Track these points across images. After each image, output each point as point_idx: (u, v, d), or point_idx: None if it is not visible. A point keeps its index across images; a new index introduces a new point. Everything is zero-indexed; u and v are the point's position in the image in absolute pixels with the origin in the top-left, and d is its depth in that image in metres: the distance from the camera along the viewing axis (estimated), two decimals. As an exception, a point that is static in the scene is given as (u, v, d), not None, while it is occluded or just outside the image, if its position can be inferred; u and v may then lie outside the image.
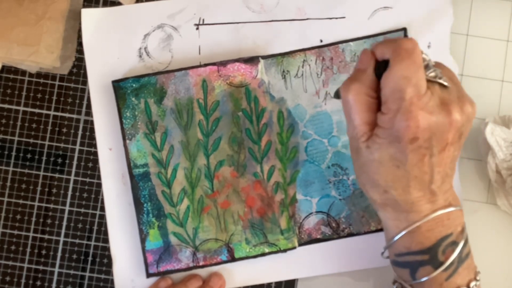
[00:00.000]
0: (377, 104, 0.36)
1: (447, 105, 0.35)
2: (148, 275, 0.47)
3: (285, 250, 0.48)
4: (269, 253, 0.48)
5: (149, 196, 0.48)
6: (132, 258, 0.48)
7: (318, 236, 0.48)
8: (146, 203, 0.48)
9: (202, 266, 0.48)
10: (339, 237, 0.48)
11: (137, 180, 0.48)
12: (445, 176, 0.36)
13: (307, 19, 0.50)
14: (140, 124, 0.48)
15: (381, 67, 0.36)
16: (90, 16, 0.49)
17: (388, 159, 0.35)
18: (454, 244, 0.37)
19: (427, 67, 0.36)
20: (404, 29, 0.49)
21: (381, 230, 0.48)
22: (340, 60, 0.49)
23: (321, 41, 0.50)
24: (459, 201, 0.38)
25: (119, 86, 0.48)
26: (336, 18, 0.50)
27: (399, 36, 0.37)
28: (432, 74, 0.35)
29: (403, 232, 0.37)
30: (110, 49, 0.49)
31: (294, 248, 0.48)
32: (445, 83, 0.36)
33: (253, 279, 0.49)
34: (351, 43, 0.49)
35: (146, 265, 0.47)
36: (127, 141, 0.48)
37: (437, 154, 0.35)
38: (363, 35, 0.49)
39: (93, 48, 0.49)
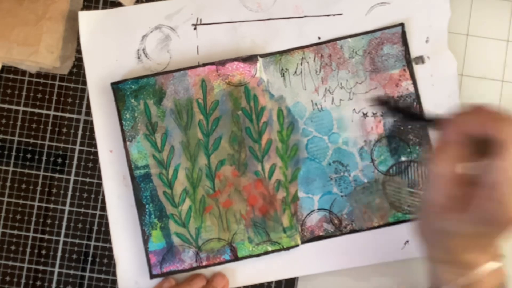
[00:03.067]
0: (464, 176, 0.35)
1: None
2: (152, 276, 0.47)
3: (288, 248, 0.48)
4: (272, 251, 0.48)
5: (151, 197, 0.48)
6: (135, 259, 0.48)
7: (321, 233, 0.48)
8: (148, 204, 0.48)
9: (206, 266, 0.48)
10: (342, 234, 0.48)
11: (139, 182, 0.48)
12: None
13: (305, 16, 0.50)
14: (140, 126, 0.48)
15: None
16: (87, 19, 0.49)
17: (472, 234, 0.35)
18: None
19: None
20: (402, 25, 0.49)
21: (383, 226, 0.48)
22: (338, 57, 0.49)
23: (319, 38, 0.50)
24: (499, 246, 0.38)
25: (118, 88, 0.48)
26: (334, 15, 0.50)
27: (496, 108, 0.35)
28: None
29: (459, 284, 0.37)
30: (108, 51, 0.49)
31: (297, 246, 0.48)
32: None
33: (256, 278, 0.49)
34: (349, 39, 0.49)
35: (150, 266, 0.47)
36: (128, 143, 0.48)
37: None
38: (361, 31, 0.49)
39: (91, 51, 0.49)
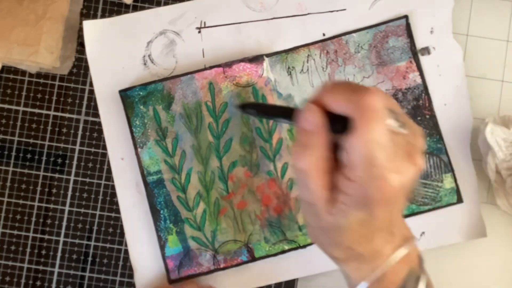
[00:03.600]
0: (333, 161, 0.32)
1: (412, 157, 0.31)
2: (170, 281, 0.47)
3: (304, 246, 0.48)
4: (289, 250, 0.48)
5: (165, 202, 0.48)
6: (153, 265, 0.48)
7: (336, 229, 0.48)
8: (163, 210, 0.48)
9: (223, 268, 0.48)
10: (357, 229, 0.48)
11: (152, 188, 0.48)
12: (401, 212, 0.34)
13: (308, 14, 0.50)
14: (150, 132, 0.48)
15: (334, 120, 0.31)
16: (91, 28, 0.49)
17: (355, 222, 0.32)
18: (418, 279, 0.35)
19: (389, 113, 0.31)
20: (406, 17, 0.49)
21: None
22: (344, 52, 0.49)
23: (324, 34, 0.50)
24: (410, 229, 0.36)
25: (126, 95, 0.48)
26: (337, 10, 0.50)
27: (355, 84, 0.32)
28: (394, 124, 0.31)
29: (368, 281, 0.34)
30: (114, 59, 0.49)
31: (313, 243, 0.48)
32: (405, 131, 0.32)
33: (273, 278, 0.49)
34: (354, 34, 0.49)
35: (167, 271, 0.47)
36: (139, 149, 0.48)
37: (402, 200, 0.33)
38: (365, 25, 0.49)
39: (97, 59, 0.49)
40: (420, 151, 0.32)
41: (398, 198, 0.32)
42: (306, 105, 0.32)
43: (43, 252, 0.49)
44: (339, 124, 0.31)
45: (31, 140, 0.50)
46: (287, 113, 0.33)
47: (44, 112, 0.50)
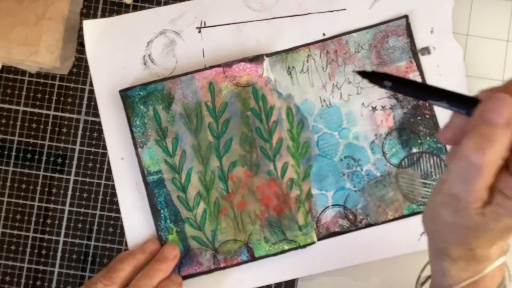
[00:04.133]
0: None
1: None
2: (170, 281, 0.47)
3: (304, 246, 0.48)
4: (289, 250, 0.48)
5: (165, 202, 0.48)
6: (153, 265, 0.48)
7: (336, 229, 0.48)
8: (163, 209, 0.48)
9: (224, 268, 0.48)
10: (357, 229, 0.48)
11: (152, 187, 0.48)
12: None
13: (308, 13, 0.50)
14: (151, 132, 0.48)
15: None
16: (91, 27, 0.49)
17: (501, 228, 0.30)
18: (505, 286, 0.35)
19: None
20: (406, 17, 0.49)
21: (398, 218, 0.48)
22: (344, 52, 0.49)
23: (324, 34, 0.50)
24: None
25: (126, 95, 0.48)
26: (337, 10, 0.50)
27: None
28: None
29: (469, 281, 0.33)
30: (114, 58, 0.49)
31: (313, 243, 0.48)
32: None
33: (273, 278, 0.49)
34: (354, 34, 0.49)
35: (168, 271, 0.47)
36: (139, 149, 0.48)
37: None
38: (365, 25, 0.49)
39: (97, 59, 0.49)
40: None
41: None
42: (498, 95, 0.28)
43: (43, 252, 0.49)
44: None
45: (31, 140, 0.50)
46: (452, 98, 0.29)
47: (44, 112, 0.50)
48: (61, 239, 0.49)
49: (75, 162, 0.50)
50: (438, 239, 0.34)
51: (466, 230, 0.31)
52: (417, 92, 0.30)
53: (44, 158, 0.50)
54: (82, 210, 0.50)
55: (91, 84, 0.50)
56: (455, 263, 0.33)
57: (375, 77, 0.31)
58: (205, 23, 0.50)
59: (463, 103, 0.29)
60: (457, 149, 0.29)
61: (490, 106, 0.28)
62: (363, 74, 0.32)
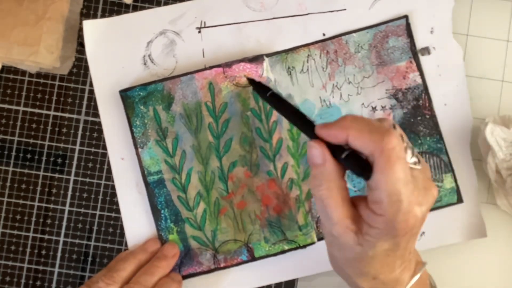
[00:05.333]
0: (348, 191, 0.35)
1: (429, 189, 0.34)
2: (170, 280, 0.48)
3: (304, 246, 0.48)
4: (289, 250, 0.48)
5: (166, 202, 0.48)
6: (153, 265, 0.48)
7: (336, 229, 0.48)
8: (163, 209, 0.48)
9: (224, 268, 0.48)
10: (357, 229, 0.48)
11: (153, 188, 0.48)
12: (416, 239, 0.36)
13: (308, 13, 0.50)
14: (151, 132, 0.48)
15: (336, 149, 0.33)
16: (91, 28, 0.49)
17: (382, 253, 0.34)
18: None
19: (405, 149, 0.33)
20: (406, 17, 0.49)
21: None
22: (344, 52, 0.49)
23: (324, 34, 0.50)
24: (419, 255, 0.39)
25: (126, 96, 0.48)
26: (337, 10, 0.50)
27: (372, 123, 0.33)
28: (412, 160, 0.34)
29: None
30: (114, 59, 0.49)
31: (313, 243, 0.48)
32: (420, 166, 0.34)
33: (273, 278, 0.49)
34: (354, 34, 0.49)
35: (168, 271, 0.47)
36: (139, 150, 0.48)
37: (420, 229, 0.35)
38: (365, 25, 0.49)
39: (97, 59, 0.49)
40: (431, 181, 0.35)
41: (419, 227, 0.34)
42: (309, 144, 0.34)
43: (43, 252, 0.49)
44: (338, 149, 0.33)
45: (31, 140, 0.50)
46: (303, 126, 0.35)
47: (44, 112, 0.50)
48: (61, 239, 0.49)
49: (75, 162, 0.50)
50: (344, 276, 0.38)
51: (356, 262, 0.35)
52: (284, 113, 0.36)
53: (44, 158, 0.50)
54: (82, 210, 0.50)
55: (91, 84, 0.50)
56: None
57: (260, 88, 0.37)
58: (205, 23, 0.50)
59: (308, 130, 0.35)
60: None
61: (309, 151, 0.34)
62: (251, 81, 0.37)
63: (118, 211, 0.49)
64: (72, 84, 0.50)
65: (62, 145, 0.50)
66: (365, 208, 0.34)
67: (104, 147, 0.50)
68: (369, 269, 0.35)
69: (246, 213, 0.48)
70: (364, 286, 0.36)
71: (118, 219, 0.49)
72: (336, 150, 0.33)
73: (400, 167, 0.32)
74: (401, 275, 0.36)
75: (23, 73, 0.50)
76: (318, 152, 0.34)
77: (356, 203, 0.35)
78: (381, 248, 0.34)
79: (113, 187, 0.49)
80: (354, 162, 0.33)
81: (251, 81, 0.38)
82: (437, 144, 0.49)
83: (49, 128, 0.50)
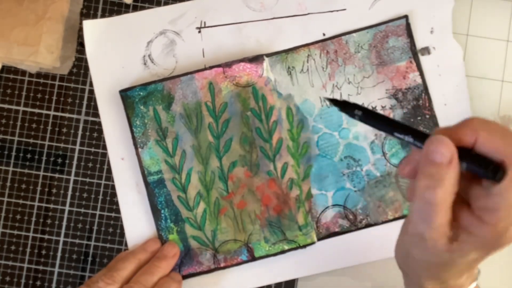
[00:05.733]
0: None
1: None
2: (170, 280, 0.48)
3: (304, 246, 0.48)
4: (289, 250, 0.48)
5: (166, 202, 0.48)
6: (153, 265, 0.48)
7: (336, 230, 0.48)
8: (163, 209, 0.48)
9: (224, 267, 0.48)
10: (357, 229, 0.48)
11: (153, 187, 0.48)
12: None
13: (308, 13, 0.50)
14: (151, 132, 0.48)
15: (464, 153, 0.30)
16: (91, 27, 0.49)
17: (468, 261, 0.32)
18: None
19: None
20: (406, 17, 0.49)
21: (398, 218, 0.48)
22: (344, 52, 0.49)
23: (324, 34, 0.50)
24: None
25: (126, 95, 0.48)
26: (337, 10, 0.50)
27: (495, 123, 0.30)
28: None
29: None
30: (114, 59, 0.49)
31: (313, 243, 0.48)
32: None
33: (273, 278, 0.49)
34: (354, 34, 0.49)
35: (168, 271, 0.47)
36: (139, 150, 0.48)
37: None
38: (365, 25, 0.49)
39: (97, 59, 0.49)
40: None
41: None
42: (437, 137, 0.30)
43: (43, 252, 0.49)
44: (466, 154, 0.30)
45: (31, 140, 0.50)
46: (414, 134, 0.31)
47: (44, 112, 0.50)
48: (61, 239, 0.49)
49: (75, 162, 0.50)
50: (412, 274, 0.36)
51: (436, 266, 0.33)
52: (383, 126, 0.32)
53: (44, 158, 0.50)
54: (82, 210, 0.50)
55: (91, 84, 0.50)
56: None
57: (347, 107, 0.33)
58: (205, 23, 0.50)
59: (423, 139, 0.31)
60: (415, 185, 0.31)
61: (432, 147, 0.30)
62: (335, 102, 0.33)
63: (118, 211, 0.49)
64: (72, 84, 0.50)
65: (62, 145, 0.50)
66: (468, 215, 0.31)
67: (104, 147, 0.50)
68: (446, 275, 0.34)
69: (246, 213, 0.48)
70: (429, 286, 0.35)
71: (118, 219, 0.49)
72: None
73: None
74: (465, 281, 0.35)
75: (23, 73, 0.50)
76: (446, 150, 0.29)
77: (463, 212, 0.32)
78: (470, 258, 0.32)
79: (113, 187, 0.49)
80: (484, 163, 0.30)
81: (335, 102, 0.33)
82: (437, 144, 0.49)
83: (49, 128, 0.50)
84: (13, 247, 0.49)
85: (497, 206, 0.29)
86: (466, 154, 0.30)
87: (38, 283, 0.49)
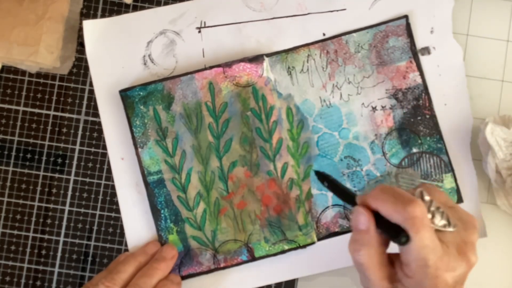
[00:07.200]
0: (387, 254, 0.36)
1: (464, 253, 0.35)
2: (170, 280, 0.47)
3: (304, 246, 0.48)
4: (289, 250, 0.48)
5: (165, 202, 0.48)
6: (153, 265, 0.48)
7: (336, 230, 0.48)
8: (163, 209, 0.48)
9: (224, 268, 0.48)
10: (357, 229, 0.48)
11: (152, 187, 0.48)
12: None
13: (308, 13, 0.50)
14: (151, 132, 0.48)
15: (379, 219, 0.35)
16: (91, 27, 0.49)
17: None
18: None
19: (433, 216, 0.35)
20: (406, 17, 0.49)
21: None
22: (344, 52, 0.49)
23: (324, 34, 0.50)
24: None
25: (126, 95, 0.48)
26: (337, 10, 0.50)
27: (398, 193, 0.35)
28: (442, 222, 0.35)
29: None
30: (114, 59, 0.49)
31: (313, 243, 0.48)
32: (452, 229, 0.36)
33: (273, 278, 0.49)
34: (354, 34, 0.49)
35: (168, 271, 0.47)
36: (139, 150, 0.48)
37: None
38: (365, 25, 0.49)
39: (97, 59, 0.49)
40: (472, 246, 0.36)
41: None
42: (355, 208, 0.36)
43: (43, 252, 0.49)
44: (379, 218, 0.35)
45: (31, 140, 0.50)
46: (350, 200, 0.38)
47: (44, 112, 0.50)
48: (61, 239, 0.49)
49: (75, 162, 0.50)
50: None
51: None
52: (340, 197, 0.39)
53: (44, 158, 0.50)
54: (82, 210, 0.50)
55: (91, 84, 0.50)
56: None
57: (319, 177, 0.40)
58: (205, 23, 0.50)
59: (351, 200, 0.38)
60: None
61: (354, 217, 0.36)
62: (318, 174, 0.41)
63: (118, 211, 0.49)
64: (72, 84, 0.50)
65: (62, 145, 0.50)
66: (399, 268, 0.35)
67: (104, 147, 0.49)
68: None
69: (246, 213, 0.48)
70: None
71: (118, 219, 0.49)
72: (376, 216, 0.35)
73: (426, 235, 0.33)
74: None
75: (23, 73, 0.50)
76: (363, 219, 0.35)
77: (393, 259, 0.37)
78: None
79: (113, 187, 0.49)
80: (389, 229, 0.34)
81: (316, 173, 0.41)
82: (437, 144, 0.49)
83: (49, 128, 0.50)
84: (13, 247, 0.49)
85: (407, 261, 0.34)
86: (381, 221, 0.35)
87: (38, 283, 0.49)
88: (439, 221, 0.35)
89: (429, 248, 0.34)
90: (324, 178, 0.40)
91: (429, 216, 0.35)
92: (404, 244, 0.34)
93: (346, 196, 0.38)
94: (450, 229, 0.35)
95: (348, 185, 0.49)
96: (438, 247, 0.34)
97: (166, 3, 0.50)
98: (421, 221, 0.33)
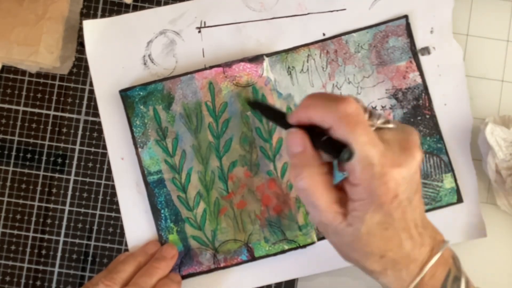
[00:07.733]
0: (331, 177, 0.34)
1: (407, 149, 0.32)
2: (170, 280, 0.48)
3: (304, 246, 0.48)
4: (289, 250, 0.48)
5: (166, 202, 0.48)
6: (153, 265, 0.48)
7: (336, 229, 0.48)
8: (163, 209, 0.48)
9: (224, 267, 0.48)
10: (357, 229, 0.48)
11: (152, 187, 0.48)
12: (423, 213, 0.35)
13: (308, 13, 0.50)
14: (151, 132, 0.48)
15: (313, 133, 0.33)
16: (91, 27, 0.49)
17: (376, 227, 0.33)
18: (457, 279, 0.35)
19: (370, 115, 0.33)
20: (406, 17, 0.49)
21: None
22: (344, 52, 0.49)
23: (324, 34, 0.50)
24: (440, 233, 0.36)
25: (126, 95, 0.48)
26: (337, 10, 0.50)
27: (328, 94, 0.33)
28: (381, 120, 0.33)
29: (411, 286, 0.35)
30: (114, 59, 0.49)
31: (313, 243, 0.48)
32: (392, 125, 0.33)
33: (273, 278, 0.49)
34: (354, 34, 0.49)
35: (168, 271, 0.47)
36: (139, 149, 0.48)
37: (414, 197, 0.34)
38: (365, 25, 0.49)
39: (97, 59, 0.49)
40: (415, 144, 0.33)
41: (406, 192, 0.32)
42: (291, 131, 0.33)
43: (43, 252, 0.49)
44: (315, 133, 0.32)
45: (31, 140, 0.50)
46: (284, 123, 0.34)
47: (44, 112, 0.50)
48: (61, 239, 0.49)
49: (75, 162, 0.50)
50: (353, 261, 0.36)
51: (355, 243, 0.34)
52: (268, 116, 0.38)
53: (44, 158, 0.50)
54: (82, 210, 0.50)
55: (91, 84, 0.50)
56: (386, 275, 0.35)
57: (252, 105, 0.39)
58: (205, 23, 0.50)
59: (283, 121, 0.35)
60: None
61: (288, 142, 0.33)
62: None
63: (118, 211, 0.49)
64: (72, 84, 0.50)
65: (62, 145, 0.50)
66: (346, 185, 0.33)
67: (104, 147, 0.50)
68: (372, 248, 0.33)
69: (246, 213, 0.48)
70: (375, 268, 0.35)
71: (118, 219, 0.49)
72: (314, 138, 0.33)
73: (362, 131, 0.31)
74: (413, 251, 0.34)
75: (23, 73, 0.50)
76: (297, 140, 0.33)
77: (343, 184, 0.34)
78: (372, 221, 0.32)
79: (113, 187, 0.49)
80: (331, 145, 0.32)
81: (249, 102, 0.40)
82: (437, 144, 0.49)
83: (49, 128, 0.50)
84: (13, 247, 0.49)
85: (351, 167, 0.31)
86: (320, 141, 0.32)
87: (38, 283, 0.49)
88: (377, 120, 0.33)
89: (370, 144, 0.31)
90: (256, 105, 0.38)
91: (366, 116, 0.32)
92: (348, 159, 0.31)
93: (280, 119, 0.35)
94: (390, 125, 0.33)
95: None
96: (379, 144, 0.31)
97: (166, 3, 0.50)
98: (356, 117, 0.31)
